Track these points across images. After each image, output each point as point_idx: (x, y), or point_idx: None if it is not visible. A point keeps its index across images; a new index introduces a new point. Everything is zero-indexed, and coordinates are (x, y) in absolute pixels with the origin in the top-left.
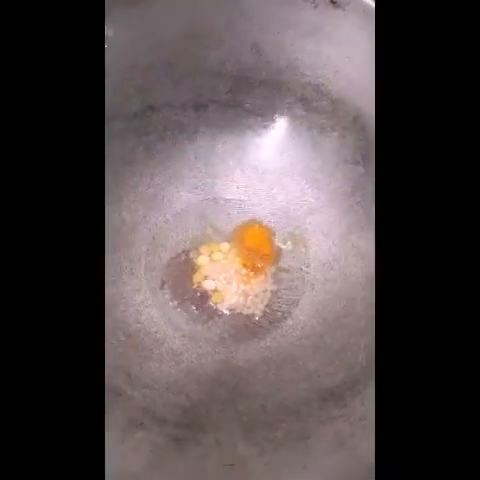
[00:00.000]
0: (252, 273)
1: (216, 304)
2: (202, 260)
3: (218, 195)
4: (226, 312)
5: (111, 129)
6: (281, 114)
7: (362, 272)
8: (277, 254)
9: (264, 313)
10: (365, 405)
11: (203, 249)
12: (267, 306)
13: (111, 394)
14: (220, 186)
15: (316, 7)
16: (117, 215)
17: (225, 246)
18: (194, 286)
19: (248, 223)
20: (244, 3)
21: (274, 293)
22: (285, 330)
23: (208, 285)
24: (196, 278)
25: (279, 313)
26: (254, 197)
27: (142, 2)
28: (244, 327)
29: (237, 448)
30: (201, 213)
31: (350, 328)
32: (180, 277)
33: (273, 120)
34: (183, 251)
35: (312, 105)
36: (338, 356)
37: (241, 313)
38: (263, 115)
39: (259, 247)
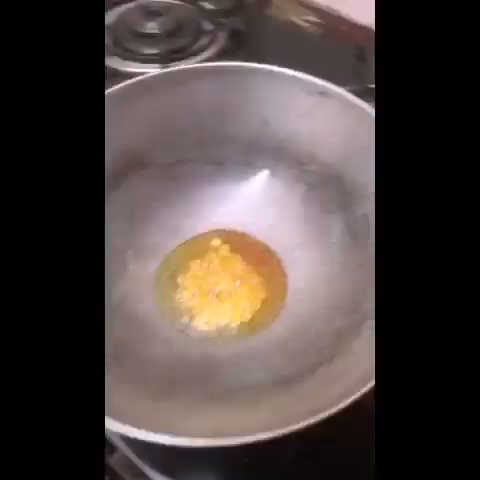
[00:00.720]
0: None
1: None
2: None
3: (227, 227)
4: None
5: (147, 173)
6: (281, 173)
7: (333, 294)
8: None
9: None
10: None
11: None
12: None
13: None
14: (229, 221)
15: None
16: (143, 235)
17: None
18: None
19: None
20: (256, 87)
21: None
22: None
23: None
24: None
25: None
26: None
27: (182, 85)
28: None
29: None
30: None
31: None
32: None
33: (274, 177)
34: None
35: (304, 168)
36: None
37: None
38: (267, 172)
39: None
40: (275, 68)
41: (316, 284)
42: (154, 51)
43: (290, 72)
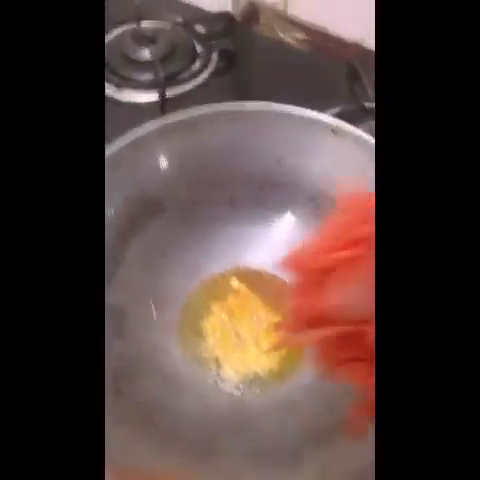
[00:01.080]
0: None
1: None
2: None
3: (244, 265)
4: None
5: (162, 217)
6: (296, 212)
7: None
8: None
9: None
10: None
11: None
12: None
13: None
14: (247, 261)
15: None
16: (162, 282)
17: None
18: None
19: None
20: (270, 128)
21: None
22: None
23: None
24: None
25: None
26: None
27: (197, 129)
28: None
29: None
30: None
31: None
32: None
33: (289, 214)
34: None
35: (319, 205)
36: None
37: None
38: (282, 211)
39: None
40: (289, 109)
41: None
42: (149, 77)
43: (304, 112)
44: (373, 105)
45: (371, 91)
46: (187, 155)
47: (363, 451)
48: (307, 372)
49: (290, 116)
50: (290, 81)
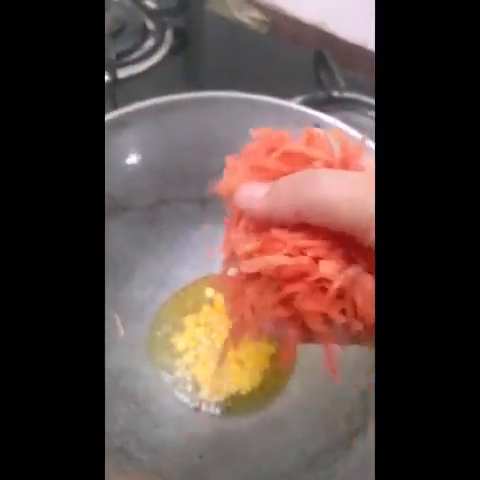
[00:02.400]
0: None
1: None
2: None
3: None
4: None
5: (127, 218)
6: None
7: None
8: None
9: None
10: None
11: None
12: None
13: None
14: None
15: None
16: (127, 292)
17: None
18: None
19: None
20: (242, 119)
21: None
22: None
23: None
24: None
25: None
26: None
27: (161, 119)
28: None
29: None
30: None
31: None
32: None
33: None
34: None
35: None
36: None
37: None
38: None
39: None
40: (264, 98)
41: None
42: None
43: (281, 102)
44: (343, 95)
45: (342, 80)
46: (153, 147)
47: (362, 472)
48: (293, 387)
49: (266, 107)
50: (248, 66)
